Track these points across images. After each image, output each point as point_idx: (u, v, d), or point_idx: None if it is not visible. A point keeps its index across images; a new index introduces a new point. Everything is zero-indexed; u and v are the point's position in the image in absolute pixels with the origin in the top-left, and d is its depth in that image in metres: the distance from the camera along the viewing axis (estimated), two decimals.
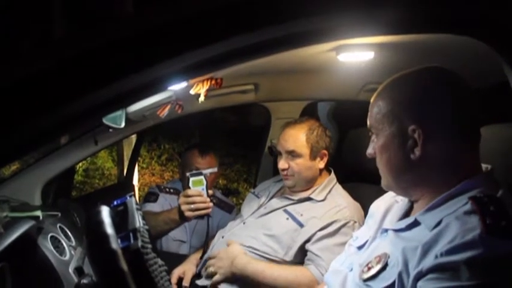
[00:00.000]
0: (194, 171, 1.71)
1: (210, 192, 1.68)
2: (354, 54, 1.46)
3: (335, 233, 1.56)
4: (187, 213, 1.64)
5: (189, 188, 1.67)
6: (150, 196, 2.28)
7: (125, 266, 0.77)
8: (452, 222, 0.79)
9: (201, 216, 1.66)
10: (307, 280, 1.50)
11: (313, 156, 1.68)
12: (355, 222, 1.58)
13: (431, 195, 0.90)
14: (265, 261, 1.58)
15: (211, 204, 1.66)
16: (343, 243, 1.33)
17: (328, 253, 1.50)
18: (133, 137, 2.91)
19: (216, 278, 1.59)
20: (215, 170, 1.83)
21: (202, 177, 1.67)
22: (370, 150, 0.98)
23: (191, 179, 1.66)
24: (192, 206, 1.64)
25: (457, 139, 0.87)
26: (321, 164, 1.71)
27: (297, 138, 1.68)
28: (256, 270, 1.54)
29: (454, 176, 0.87)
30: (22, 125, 0.66)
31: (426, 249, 0.79)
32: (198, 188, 1.66)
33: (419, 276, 0.78)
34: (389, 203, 1.07)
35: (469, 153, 0.89)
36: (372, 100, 0.97)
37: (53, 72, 0.66)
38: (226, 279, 1.59)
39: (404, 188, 0.95)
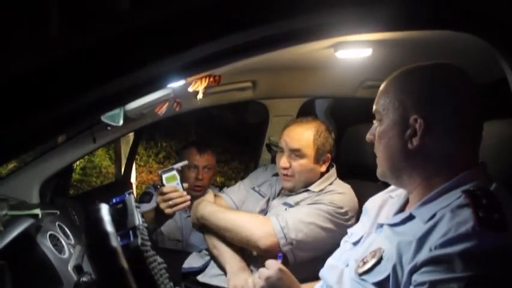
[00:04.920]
0: (165, 169, 1.70)
1: (185, 185, 1.67)
2: (352, 51, 1.46)
3: (324, 207, 1.54)
4: (167, 210, 1.63)
5: (163, 185, 1.66)
6: (144, 196, 2.29)
7: (124, 264, 0.77)
8: (446, 216, 0.80)
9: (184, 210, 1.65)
10: (263, 227, 1.52)
11: (317, 159, 1.63)
12: (347, 210, 1.54)
13: (425, 187, 0.91)
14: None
15: (188, 197, 1.65)
16: (327, 221, 1.47)
17: (305, 214, 1.53)
18: (131, 135, 2.91)
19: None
20: (186, 162, 1.80)
21: (174, 172, 1.66)
22: (369, 135, 0.99)
23: (164, 176, 1.66)
24: (170, 202, 1.63)
25: (456, 134, 0.88)
26: (323, 168, 1.67)
27: (303, 137, 1.62)
28: (215, 212, 1.65)
29: (449, 169, 0.88)
30: (19, 123, 0.66)
31: (420, 243, 0.80)
32: (172, 183, 1.65)
33: (414, 269, 0.79)
34: (383, 199, 1.08)
35: (467, 148, 0.89)
36: (382, 86, 0.97)
37: (51, 69, 0.66)
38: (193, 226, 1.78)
39: (398, 177, 0.95)
